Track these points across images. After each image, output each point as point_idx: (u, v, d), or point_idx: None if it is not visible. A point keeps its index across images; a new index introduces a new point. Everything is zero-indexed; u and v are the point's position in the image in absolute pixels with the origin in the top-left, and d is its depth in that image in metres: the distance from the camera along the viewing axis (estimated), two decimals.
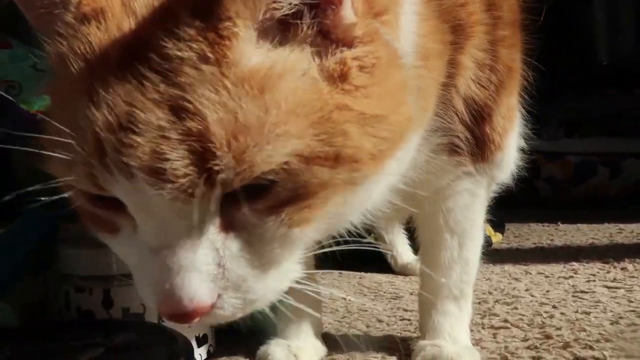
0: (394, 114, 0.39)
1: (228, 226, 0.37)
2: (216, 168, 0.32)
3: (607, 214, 1.61)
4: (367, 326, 0.84)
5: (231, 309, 0.38)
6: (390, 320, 0.86)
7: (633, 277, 0.98)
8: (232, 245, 0.37)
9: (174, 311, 0.36)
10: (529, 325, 0.78)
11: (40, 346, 0.57)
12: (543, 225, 1.58)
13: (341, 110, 0.36)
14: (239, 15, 0.33)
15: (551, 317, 0.81)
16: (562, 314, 0.82)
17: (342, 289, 1.06)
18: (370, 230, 1.07)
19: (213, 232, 0.36)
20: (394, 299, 0.98)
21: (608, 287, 0.93)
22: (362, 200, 0.43)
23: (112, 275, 0.67)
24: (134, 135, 0.32)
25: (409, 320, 0.85)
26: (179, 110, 0.32)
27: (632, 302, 0.85)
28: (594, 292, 0.91)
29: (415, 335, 0.76)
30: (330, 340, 0.73)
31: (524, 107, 0.75)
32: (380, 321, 0.86)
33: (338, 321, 0.87)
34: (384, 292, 1.03)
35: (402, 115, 0.40)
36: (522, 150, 2.19)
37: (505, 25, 0.60)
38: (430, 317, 0.67)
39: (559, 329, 0.75)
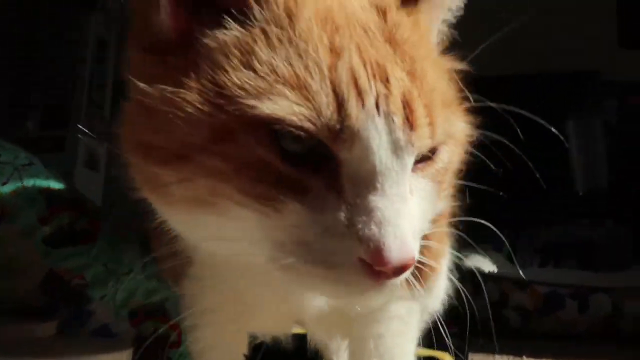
0: None
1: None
2: (436, 126, 0.40)
3: (574, 348, 1.56)
4: None
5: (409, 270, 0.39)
6: None
7: None
8: (413, 205, 0.40)
9: (400, 258, 0.35)
10: None
11: None
12: (508, 358, 1.52)
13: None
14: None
15: None
16: None
17: None
18: (321, 355, 1.03)
19: (408, 189, 0.40)
20: None
21: None
22: None
23: None
24: (391, 86, 0.38)
25: None
26: (413, 74, 0.40)
27: None
28: None
29: None
30: None
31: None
32: None
33: None
34: None
35: None
36: (491, 276, 2.15)
37: None
38: None
39: None
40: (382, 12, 0.41)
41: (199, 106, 0.36)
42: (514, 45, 3.33)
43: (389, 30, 0.40)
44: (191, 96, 0.36)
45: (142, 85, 0.39)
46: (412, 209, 0.39)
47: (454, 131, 0.45)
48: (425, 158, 0.42)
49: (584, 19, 3.30)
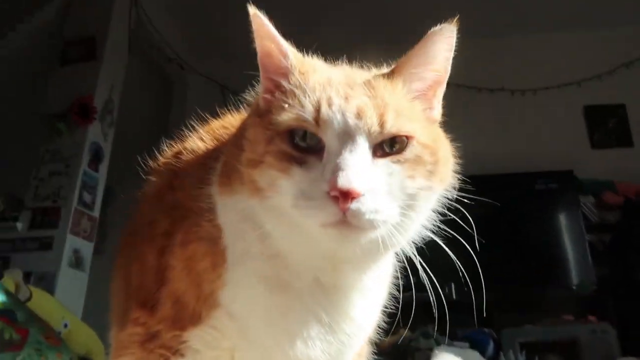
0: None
1: (376, 159, 0.61)
2: (386, 122, 0.61)
3: None
4: None
5: (366, 208, 0.58)
6: None
7: None
8: (376, 169, 0.61)
9: (345, 186, 0.56)
10: None
11: None
12: None
13: (439, 136, 0.69)
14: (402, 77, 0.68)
15: None
16: None
17: None
18: None
19: (370, 156, 0.61)
20: None
21: None
22: (429, 199, 0.66)
23: None
24: (349, 101, 0.62)
25: None
26: (374, 98, 0.63)
27: None
28: None
29: None
30: None
31: None
32: None
33: None
34: None
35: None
36: None
37: None
38: None
39: None
40: (370, 78, 0.67)
41: (263, 132, 0.64)
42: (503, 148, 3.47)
43: (369, 82, 0.66)
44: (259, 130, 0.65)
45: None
46: (370, 172, 0.60)
47: (408, 130, 0.63)
48: (396, 152, 0.62)
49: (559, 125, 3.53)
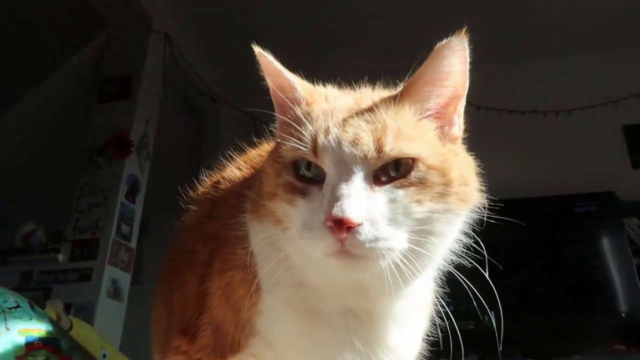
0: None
1: (377, 186, 0.59)
2: (384, 145, 0.59)
3: None
4: None
5: (365, 237, 0.56)
6: None
7: None
8: (376, 197, 0.59)
9: (338, 215, 0.55)
10: None
11: None
12: None
13: (453, 155, 0.65)
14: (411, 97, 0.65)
15: None
16: None
17: None
18: None
19: (368, 184, 0.59)
20: None
21: None
22: (449, 222, 0.63)
23: None
24: (346, 129, 0.61)
25: None
26: (373, 123, 0.61)
27: None
28: None
29: None
30: None
31: None
32: None
33: None
34: None
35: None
36: None
37: None
38: None
39: None
40: (374, 102, 0.66)
41: (273, 164, 0.66)
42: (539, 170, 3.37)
43: (371, 107, 0.65)
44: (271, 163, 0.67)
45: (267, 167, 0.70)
46: (368, 200, 0.58)
47: (410, 152, 0.61)
48: (401, 176, 0.61)
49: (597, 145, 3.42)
